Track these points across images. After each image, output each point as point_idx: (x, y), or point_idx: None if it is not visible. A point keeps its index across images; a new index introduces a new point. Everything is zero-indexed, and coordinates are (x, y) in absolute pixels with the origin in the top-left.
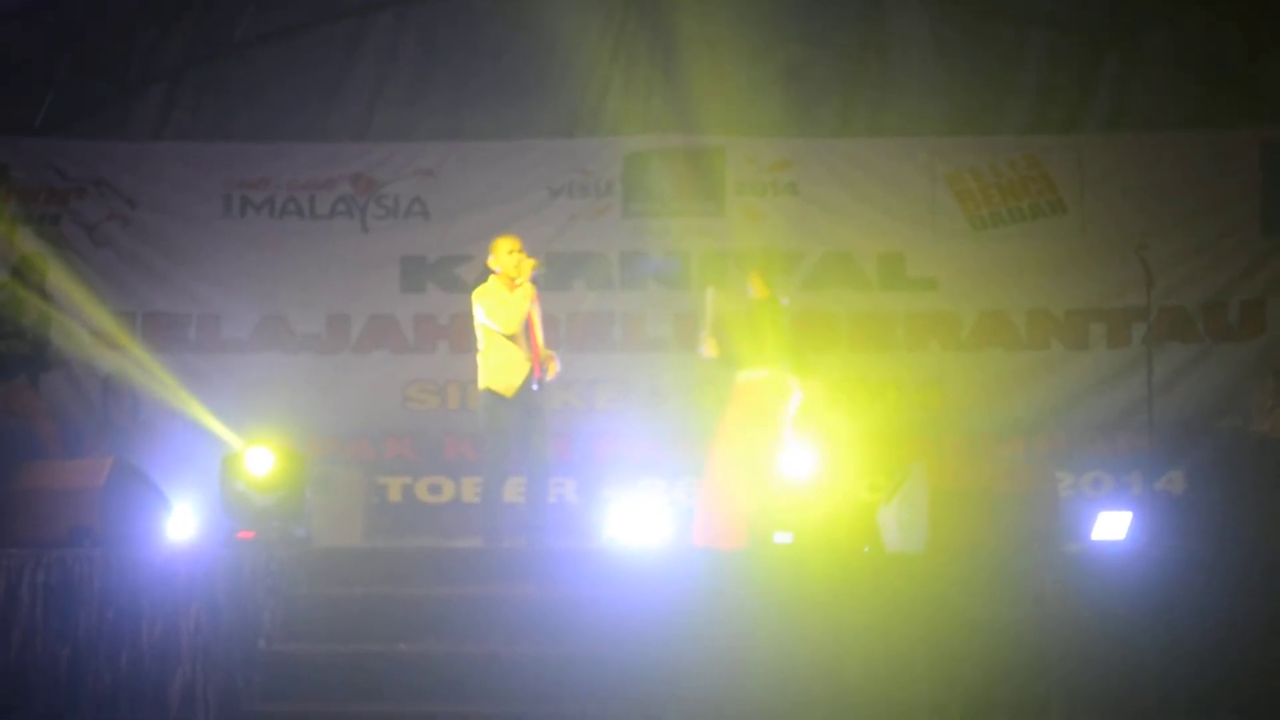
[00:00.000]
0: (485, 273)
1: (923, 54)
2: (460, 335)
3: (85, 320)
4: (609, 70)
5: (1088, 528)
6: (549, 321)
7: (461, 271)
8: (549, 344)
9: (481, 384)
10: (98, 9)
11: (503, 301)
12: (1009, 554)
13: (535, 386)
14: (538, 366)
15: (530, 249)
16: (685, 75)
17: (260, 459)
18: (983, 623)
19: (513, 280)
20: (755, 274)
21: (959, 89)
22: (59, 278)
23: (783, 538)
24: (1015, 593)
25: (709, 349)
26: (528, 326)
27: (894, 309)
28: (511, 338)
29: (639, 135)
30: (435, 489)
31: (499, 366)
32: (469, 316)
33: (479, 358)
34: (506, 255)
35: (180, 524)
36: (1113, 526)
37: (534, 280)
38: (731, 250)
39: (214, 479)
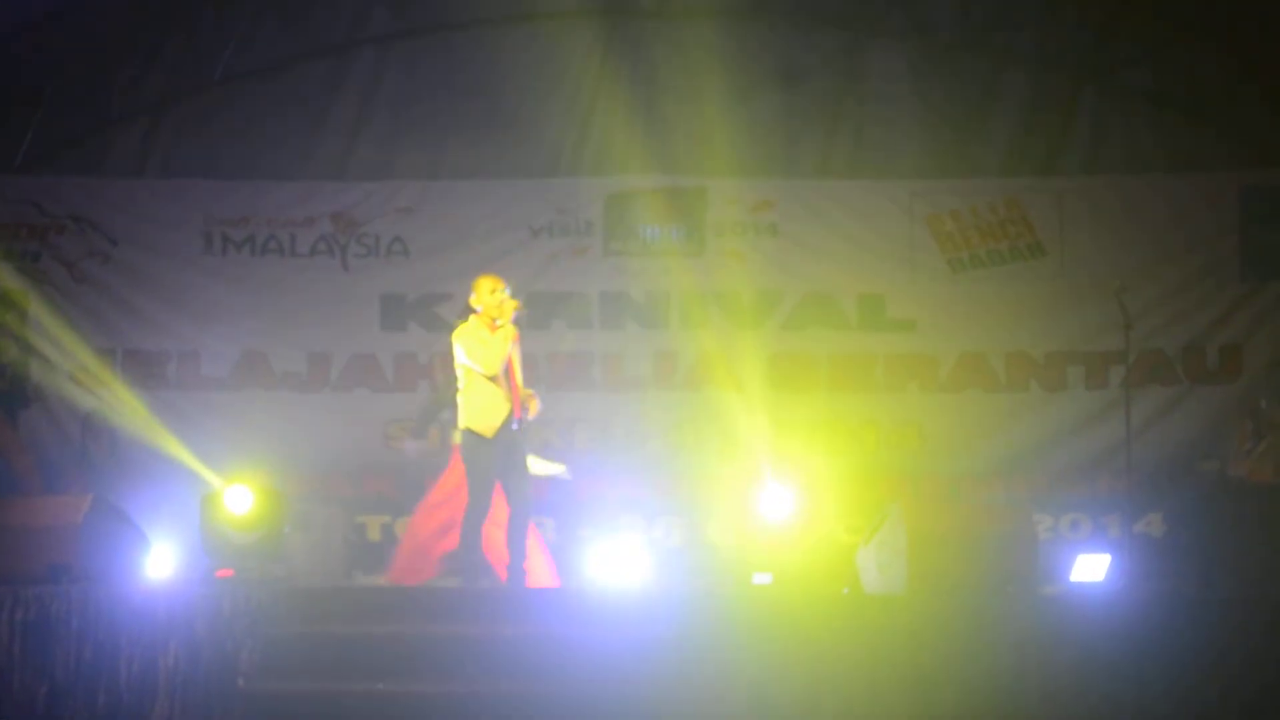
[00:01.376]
0: (466, 311)
1: (902, 95)
2: (440, 374)
3: (65, 357)
4: (590, 110)
5: (1066, 570)
6: (528, 361)
7: (442, 310)
8: (528, 383)
9: (461, 424)
10: (79, 45)
11: (483, 342)
12: (988, 596)
13: (515, 426)
14: (518, 406)
15: (511, 288)
16: (666, 116)
17: (239, 497)
18: (962, 664)
19: (494, 320)
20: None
21: (938, 129)
22: (38, 314)
23: (762, 578)
24: (994, 634)
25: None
26: (508, 367)
27: (873, 350)
28: (492, 378)
29: (620, 175)
30: None
31: (479, 407)
32: (449, 356)
33: (459, 397)
34: (489, 295)
35: (159, 562)
36: (1091, 569)
37: (515, 321)
38: (712, 290)
39: (193, 517)
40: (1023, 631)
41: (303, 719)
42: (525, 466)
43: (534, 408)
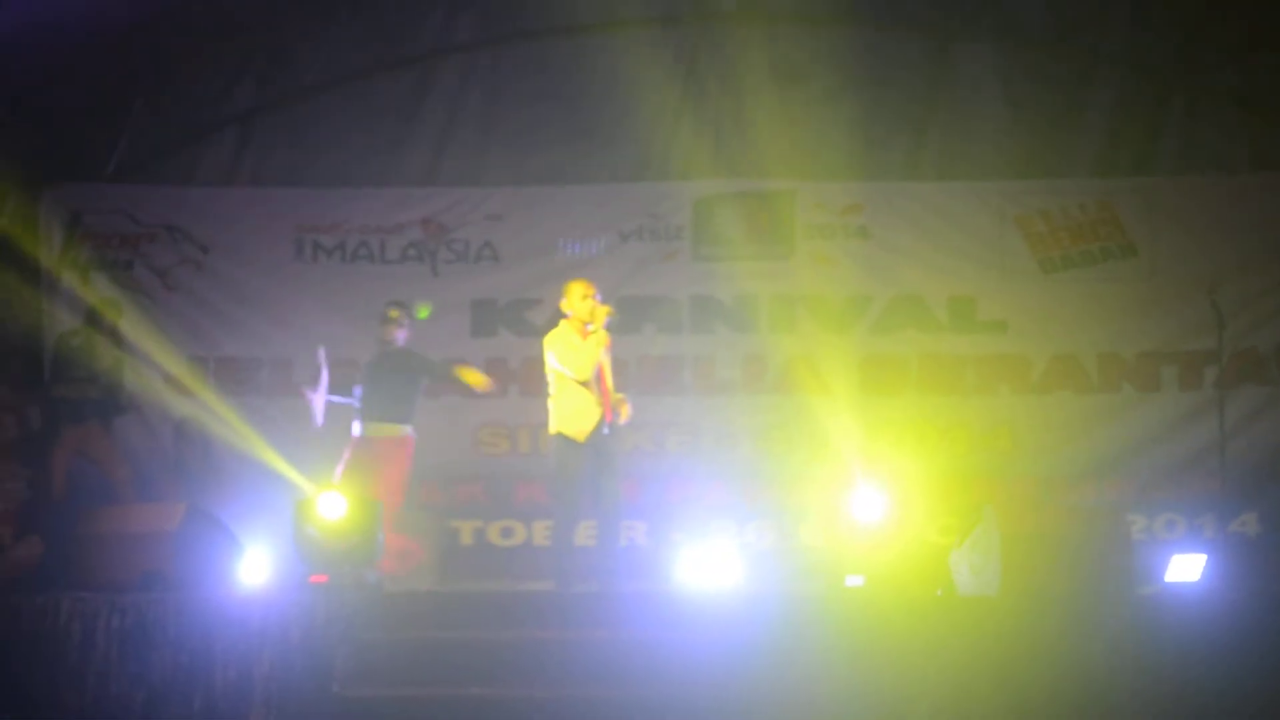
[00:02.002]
0: (556, 316)
1: (991, 96)
2: (531, 379)
3: (158, 365)
4: (678, 114)
5: (1161, 570)
6: (618, 365)
7: (532, 315)
8: (618, 387)
9: (553, 429)
10: (169, 55)
11: (574, 348)
12: (1082, 597)
13: (606, 430)
14: (609, 411)
15: (600, 293)
16: (754, 119)
17: (333, 504)
18: (1056, 666)
19: (585, 325)
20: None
21: (1027, 131)
22: (132, 323)
23: (854, 581)
24: (1089, 636)
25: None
26: (599, 372)
27: (964, 352)
28: (584, 383)
29: (708, 179)
30: (507, 532)
31: (571, 412)
32: (540, 361)
33: (550, 402)
34: (580, 301)
35: (253, 568)
36: (1187, 569)
37: (607, 327)
38: (801, 294)
39: (287, 524)
40: (1117, 632)
41: None
42: (616, 471)
43: (625, 412)
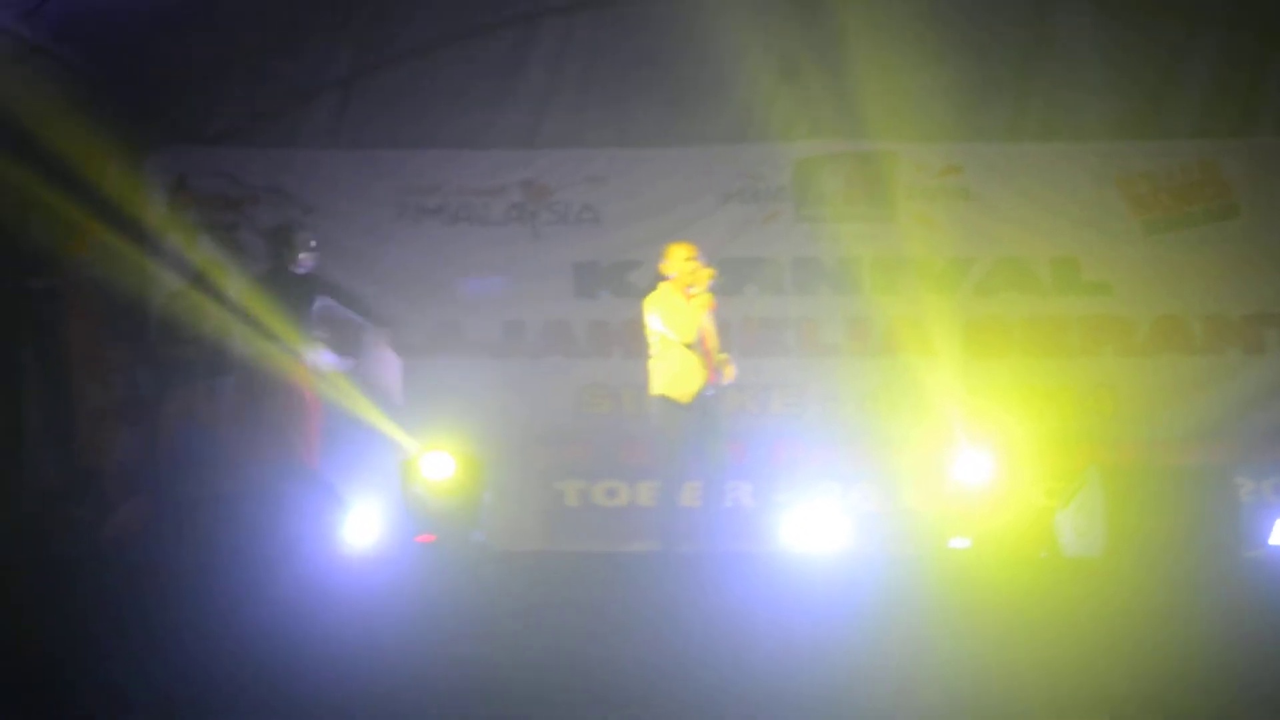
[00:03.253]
0: (657, 278)
1: (1092, 56)
2: (633, 340)
3: (262, 326)
4: (778, 76)
5: (1268, 532)
6: (721, 326)
7: (634, 277)
8: (721, 348)
9: (656, 390)
10: (268, 19)
11: (677, 309)
12: (1188, 559)
13: (710, 392)
14: (713, 372)
15: (702, 254)
16: (854, 81)
17: (439, 464)
18: (1162, 628)
19: (687, 288)
20: None
21: (1129, 91)
22: (237, 284)
23: (959, 543)
24: (1195, 598)
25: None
26: (701, 334)
27: (1068, 314)
28: (688, 345)
29: (809, 140)
30: (611, 493)
31: (675, 374)
32: (641, 323)
33: (652, 364)
34: (682, 262)
35: (360, 528)
36: None
37: (710, 289)
38: (904, 255)
39: (393, 483)
40: (1224, 595)
41: (505, 685)
42: (721, 432)
43: (729, 373)
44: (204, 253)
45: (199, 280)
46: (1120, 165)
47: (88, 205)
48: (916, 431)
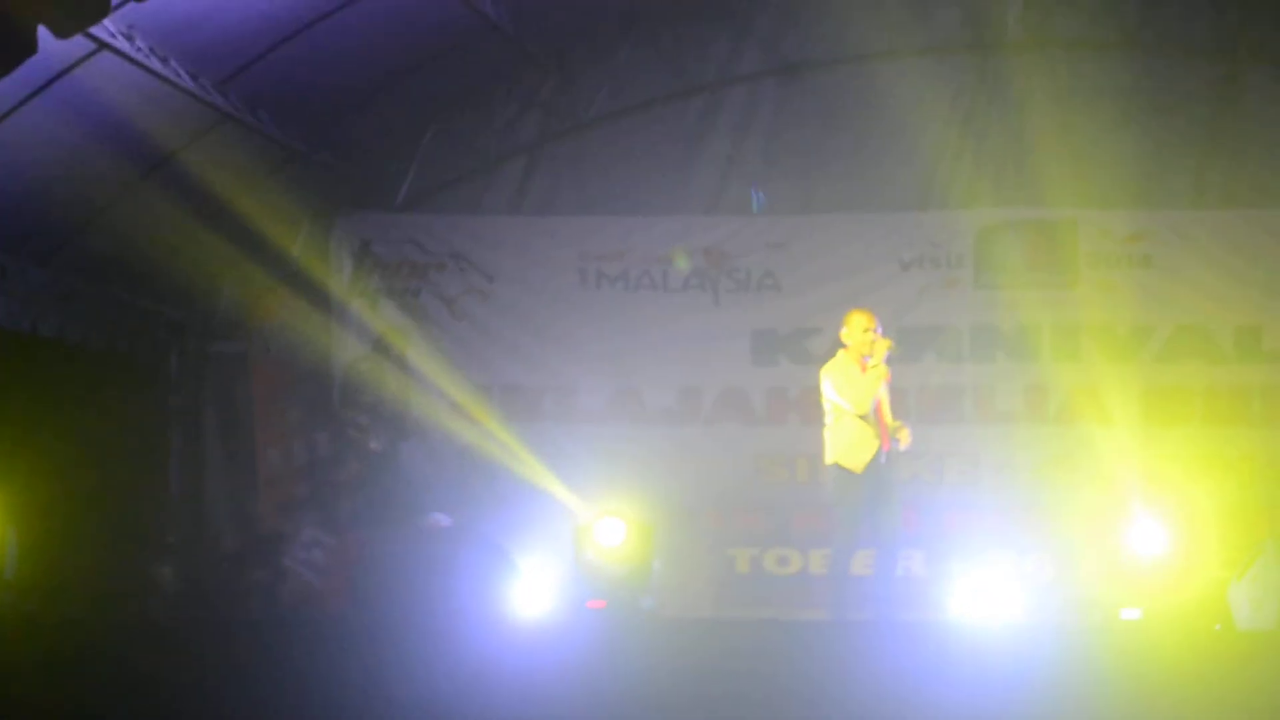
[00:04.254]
0: (836, 345)
1: (1277, 122)
2: (810, 408)
3: (443, 392)
4: (960, 144)
5: None
6: (898, 393)
7: (812, 345)
8: (896, 416)
9: (830, 459)
10: (460, 87)
11: (853, 380)
12: None
13: (884, 460)
14: (886, 441)
15: (881, 321)
16: (1036, 148)
17: (612, 529)
18: None
19: (864, 357)
20: None
21: None
22: (418, 350)
23: (1131, 614)
24: None
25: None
26: (876, 404)
27: (1249, 383)
28: (861, 416)
29: (990, 208)
30: (783, 560)
31: (848, 443)
32: (818, 390)
33: (826, 432)
34: (861, 333)
35: (530, 592)
36: None
37: (887, 361)
38: (1083, 324)
39: (565, 548)
40: None
41: None
42: (895, 499)
43: (905, 438)
44: (387, 319)
45: (381, 346)
46: None
47: (275, 271)
48: (1091, 501)
